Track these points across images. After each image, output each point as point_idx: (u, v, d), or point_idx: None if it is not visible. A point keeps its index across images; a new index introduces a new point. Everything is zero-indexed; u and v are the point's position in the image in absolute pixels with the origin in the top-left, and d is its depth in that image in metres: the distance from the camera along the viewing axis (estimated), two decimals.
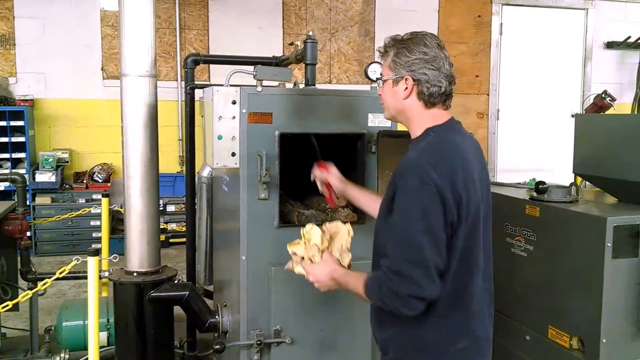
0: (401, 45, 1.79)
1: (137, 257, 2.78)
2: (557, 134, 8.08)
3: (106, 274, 2.91)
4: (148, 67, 2.71)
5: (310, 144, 2.78)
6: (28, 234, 3.80)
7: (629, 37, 8.37)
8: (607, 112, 5.17)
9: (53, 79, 6.94)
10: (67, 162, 6.89)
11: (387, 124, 2.66)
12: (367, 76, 2.70)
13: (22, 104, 6.64)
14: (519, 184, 3.30)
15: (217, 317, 2.93)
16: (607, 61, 8.58)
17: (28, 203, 6.09)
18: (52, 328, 3.74)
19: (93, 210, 4.69)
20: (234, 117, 2.52)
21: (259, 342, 2.58)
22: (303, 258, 1.95)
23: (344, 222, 2.02)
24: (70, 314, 3.61)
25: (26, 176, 5.23)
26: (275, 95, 2.61)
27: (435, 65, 1.77)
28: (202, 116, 3.14)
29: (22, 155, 6.54)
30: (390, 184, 1.75)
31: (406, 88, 1.79)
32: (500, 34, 8.25)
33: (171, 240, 6.56)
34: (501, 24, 8.23)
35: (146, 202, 2.76)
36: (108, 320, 3.49)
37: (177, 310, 2.90)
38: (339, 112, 2.70)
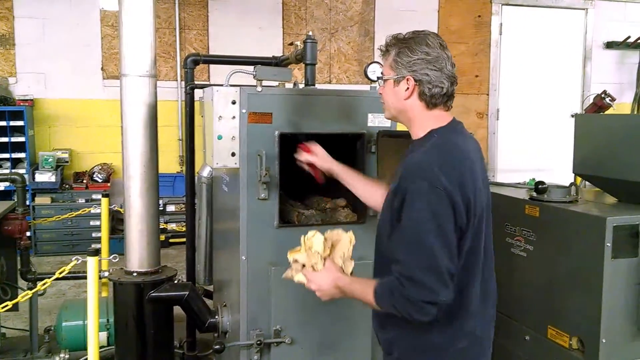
0: (403, 44, 1.77)
1: (137, 257, 2.78)
2: (557, 134, 8.08)
3: (106, 274, 2.90)
4: (148, 67, 2.71)
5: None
6: (28, 234, 3.80)
7: (629, 37, 8.38)
8: (606, 112, 5.17)
9: (53, 79, 6.94)
10: (67, 162, 6.89)
11: (387, 123, 2.66)
12: (366, 76, 2.70)
13: (22, 104, 6.64)
14: (518, 184, 3.30)
15: (216, 317, 2.93)
16: (607, 61, 8.58)
17: (28, 203, 6.09)
18: (52, 328, 3.74)
19: (93, 210, 4.69)
20: (233, 117, 2.52)
21: (258, 342, 2.58)
22: (304, 266, 1.89)
23: (346, 231, 1.95)
24: (70, 314, 3.61)
25: (26, 176, 5.24)
26: (275, 95, 2.60)
27: (437, 65, 1.75)
28: (202, 116, 3.14)
29: (22, 155, 6.54)
30: (397, 186, 1.71)
31: (407, 88, 1.77)
32: (500, 34, 8.25)
33: (171, 240, 6.56)
34: (501, 24, 8.24)
35: (146, 202, 2.76)
36: (108, 320, 3.48)
37: (177, 310, 2.90)
38: (339, 112, 2.70)
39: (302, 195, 3.02)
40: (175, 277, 2.89)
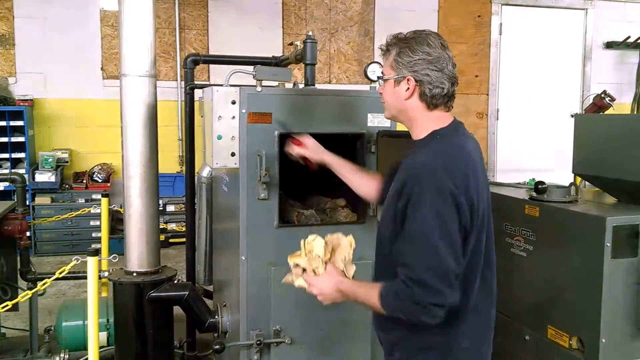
0: (404, 44, 1.76)
1: (137, 257, 2.78)
2: (557, 134, 8.08)
3: (106, 274, 2.91)
4: (148, 67, 2.71)
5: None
6: (28, 234, 3.80)
7: (629, 37, 8.38)
8: (606, 112, 5.17)
9: (53, 79, 6.94)
10: (67, 162, 6.88)
11: (387, 123, 2.66)
12: (366, 76, 2.70)
13: (21, 103, 6.63)
14: (518, 184, 3.31)
15: (216, 317, 2.93)
16: (607, 61, 8.58)
17: (28, 203, 6.08)
18: (52, 328, 3.74)
19: (93, 210, 4.70)
20: (233, 117, 2.52)
21: (258, 342, 2.58)
22: (304, 270, 1.86)
23: (345, 234, 1.92)
24: (70, 314, 3.61)
25: (26, 176, 5.24)
26: (274, 96, 2.60)
27: (438, 66, 1.74)
28: (201, 116, 3.14)
29: (21, 155, 6.54)
30: (401, 187, 1.70)
31: (408, 89, 1.76)
32: (500, 34, 8.25)
33: (171, 240, 6.56)
34: (501, 24, 8.24)
35: (146, 202, 2.76)
36: (108, 320, 3.49)
37: (177, 310, 2.90)
38: (339, 112, 2.70)
39: (301, 195, 3.02)
40: (175, 277, 2.89)
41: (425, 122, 1.80)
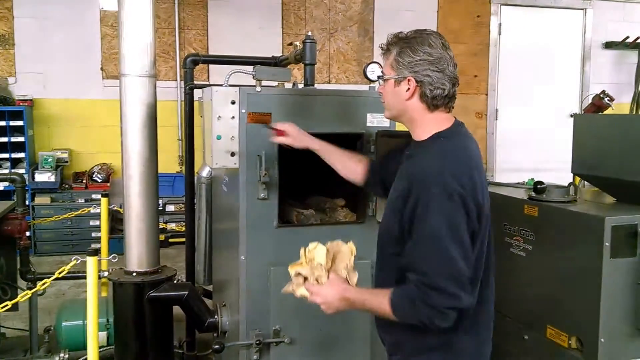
0: (405, 43, 1.75)
1: (137, 257, 2.78)
2: (556, 134, 8.08)
3: (105, 273, 2.90)
4: (147, 67, 2.71)
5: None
6: (27, 233, 3.80)
7: (628, 37, 8.38)
8: (605, 112, 5.17)
9: (52, 79, 6.94)
10: (67, 162, 6.89)
11: (386, 123, 2.67)
12: (366, 76, 2.70)
13: (21, 103, 6.64)
14: (517, 184, 3.31)
15: (216, 317, 2.93)
16: (606, 61, 8.59)
17: (27, 203, 6.06)
18: (52, 328, 3.75)
19: (92, 210, 4.70)
20: (233, 117, 2.52)
21: (258, 342, 2.59)
22: (305, 279, 1.82)
23: (345, 241, 1.89)
24: (70, 313, 3.61)
25: (25, 176, 5.24)
26: (274, 96, 2.61)
27: (439, 66, 1.73)
28: (201, 116, 3.15)
29: (21, 155, 6.54)
30: (406, 190, 1.69)
31: (408, 89, 1.75)
32: (499, 34, 8.25)
33: (170, 240, 6.56)
34: (500, 24, 8.24)
35: (145, 202, 2.76)
36: (107, 320, 3.49)
37: (177, 310, 2.90)
38: (338, 112, 2.70)
39: (301, 195, 3.03)
40: (175, 277, 2.89)
41: (426, 123, 1.79)
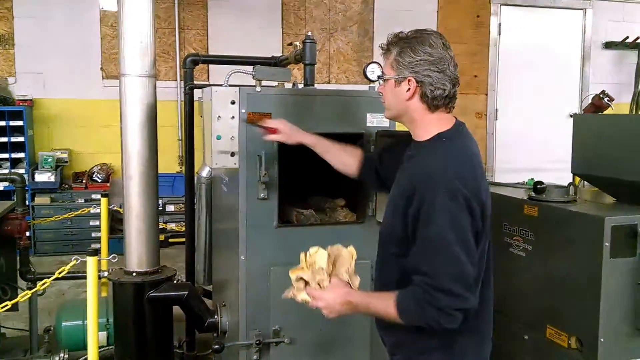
0: (405, 43, 1.74)
1: (136, 257, 2.78)
2: (556, 134, 8.08)
3: (105, 273, 2.91)
4: (147, 67, 2.71)
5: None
6: (27, 234, 3.80)
7: (627, 37, 8.38)
8: (605, 112, 5.17)
9: (52, 79, 6.94)
10: (67, 162, 6.88)
11: (386, 123, 2.67)
12: (365, 76, 2.70)
13: (21, 104, 6.63)
14: (517, 184, 3.31)
15: (216, 317, 2.93)
16: (605, 61, 8.59)
17: (27, 203, 6.05)
18: (52, 328, 3.74)
19: (92, 210, 4.70)
20: (233, 117, 2.52)
21: (257, 342, 2.59)
22: (306, 284, 1.80)
23: (345, 246, 1.87)
24: (69, 314, 3.61)
25: (25, 176, 5.23)
26: (274, 96, 2.61)
27: (440, 67, 1.72)
28: (201, 116, 3.15)
29: (21, 155, 6.54)
30: (412, 193, 1.67)
31: (409, 89, 1.75)
32: (499, 34, 8.25)
33: (170, 240, 6.55)
34: (499, 24, 8.24)
35: (145, 202, 2.76)
36: (107, 320, 3.49)
37: (177, 310, 2.90)
38: (338, 112, 2.70)
39: (301, 195, 3.03)
40: (175, 277, 2.89)
41: (427, 124, 1.78)
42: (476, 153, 1.76)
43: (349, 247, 1.86)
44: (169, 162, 7.16)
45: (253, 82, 2.56)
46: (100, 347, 2.72)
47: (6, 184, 6.07)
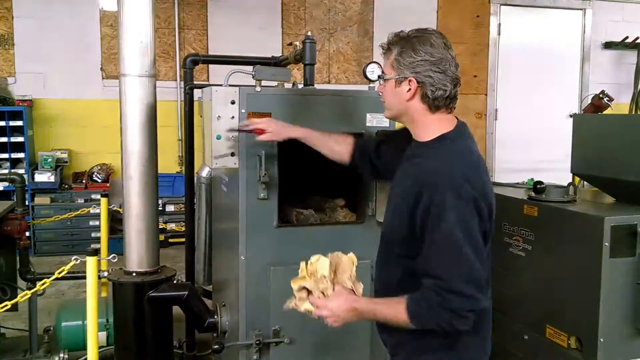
0: (406, 43, 1.73)
1: (136, 257, 2.78)
2: (555, 134, 8.07)
3: (105, 274, 2.90)
4: (147, 67, 2.71)
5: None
6: (27, 234, 3.80)
7: (627, 37, 8.39)
8: (604, 112, 5.18)
9: (52, 79, 6.94)
10: (66, 162, 6.88)
11: (386, 123, 2.67)
12: (365, 76, 2.70)
13: (21, 104, 6.63)
14: (517, 184, 3.31)
15: (216, 317, 2.93)
16: (605, 61, 8.59)
17: (27, 203, 6.06)
18: (51, 328, 3.74)
19: (92, 210, 4.70)
20: (232, 117, 2.52)
21: (257, 342, 2.59)
22: (309, 293, 1.77)
23: (345, 252, 1.84)
24: (69, 314, 3.61)
25: (25, 176, 5.22)
26: (274, 96, 2.61)
27: (441, 67, 1.72)
28: (201, 116, 3.15)
29: (21, 155, 6.54)
30: (418, 195, 1.66)
31: (409, 90, 1.73)
32: (499, 34, 8.25)
33: (170, 240, 6.55)
34: (499, 24, 8.24)
35: (145, 202, 2.76)
36: (107, 320, 3.49)
37: (176, 310, 2.90)
38: (338, 112, 2.70)
39: (301, 195, 3.03)
40: (175, 277, 2.89)
41: (428, 125, 1.77)
42: (479, 154, 1.76)
43: (349, 253, 1.83)
44: (169, 162, 7.16)
45: (253, 82, 2.56)
46: (100, 347, 2.72)
47: (6, 184, 6.07)
